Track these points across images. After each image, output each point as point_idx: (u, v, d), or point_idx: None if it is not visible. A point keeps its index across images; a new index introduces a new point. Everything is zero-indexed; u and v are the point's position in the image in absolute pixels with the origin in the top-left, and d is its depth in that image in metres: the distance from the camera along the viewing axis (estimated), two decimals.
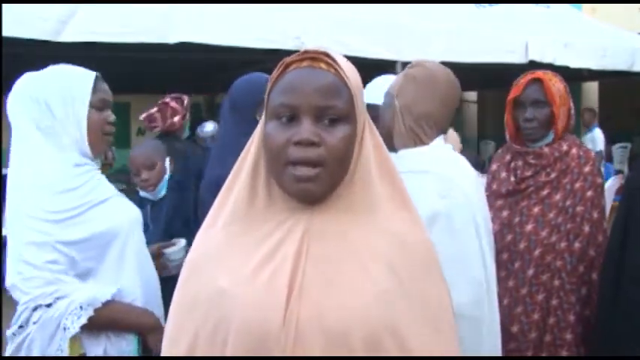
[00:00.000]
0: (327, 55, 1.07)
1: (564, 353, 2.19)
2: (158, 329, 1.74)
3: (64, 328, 1.62)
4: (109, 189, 1.80)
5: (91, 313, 1.63)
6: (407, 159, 1.72)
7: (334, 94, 1.05)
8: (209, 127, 5.22)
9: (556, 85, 2.26)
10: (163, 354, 1.15)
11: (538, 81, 2.27)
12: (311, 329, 1.00)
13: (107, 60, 3.95)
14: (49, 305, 1.61)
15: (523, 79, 2.29)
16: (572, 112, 2.31)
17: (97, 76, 1.79)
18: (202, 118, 6.75)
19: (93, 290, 1.66)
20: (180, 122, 3.99)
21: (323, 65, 1.07)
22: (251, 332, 1.01)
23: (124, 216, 1.79)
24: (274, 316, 1.00)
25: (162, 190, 2.66)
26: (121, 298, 1.71)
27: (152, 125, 3.98)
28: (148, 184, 2.62)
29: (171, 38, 3.39)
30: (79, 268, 1.67)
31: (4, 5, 2.79)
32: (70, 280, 1.64)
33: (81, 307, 1.63)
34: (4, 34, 2.84)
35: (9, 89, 1.76)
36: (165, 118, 3.95)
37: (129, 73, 5.15)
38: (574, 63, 5.15)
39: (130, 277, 1.75)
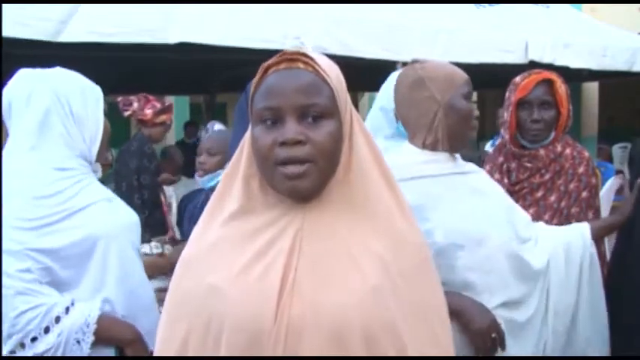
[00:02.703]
0: (305, 54, 1.09)
1: None
2: (137, 342, 1.71)
3: (78, 342, 1.61)
4: (95, 193, 1.73)
5: (94, 327, 1.62)
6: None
7: (315, 91, 1.06)
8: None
9: (562, 86, 2.25)
10: (156, 352, 1.16)
11: (547, 82, 2.25)
12: (304, 325, 1.01)
13: (107, 60, 3.96)
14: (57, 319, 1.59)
15: (529, 79, 2.25)
16: (572, 113, 2.30)
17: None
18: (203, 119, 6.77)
19: (85, 305, 1.64)
20: (151, 114, 4.28)
21: (301, 65, 1.08)
22: (244, 329, 1.02)
23: (110, 222, 1.72)
24: (266, 312, 1.01)
25: (210, 182, 2.65)
26: (101, 308, 1.68)
27: (125, 108, 4.26)
28: (200, 167, 2.67)
29: (172, 38, 3.39)
30: (56, 276, 1.62)
31: (4, 5, 2.79)
32: (46, 291, 1.60)
33: (86, 320, 1.62)
34: (4, 34, 2.84)
35: None
36: (141, 108, 4.29)
37: (129, 73, 5.15)
38: (574, 63, 5.14)
39: (111, 286, 1.69)
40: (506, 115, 2.29)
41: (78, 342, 1.61)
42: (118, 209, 1.80)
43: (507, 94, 2.31)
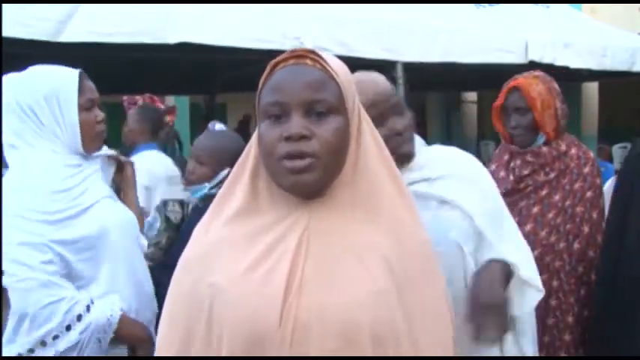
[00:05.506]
0: (313, 52, 1.09)
1: (563, 354, 2.19)
2: (147, 341, 1.75)
3: (99, 340, 1.64)
4: (101, 190, 1.79)
5: (115, 326, 1.66)
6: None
7: (321, 87, 1.06)
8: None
9: (537, 88, 2.24)
10: (157, 352, 1.15)
11: (518, 88, 2.27)
12: (311, 326, 1.00)
13: (107, 60, 3.96)
14: (79, 316, 1.61)
15: (504, 89, 2.31)
16: (561, 111, 2.29)
17: (80, 75, 1.76)
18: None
19: (105, 303, 1.68)
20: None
21: (308, 62, 1.08)
22: (246, 330, 1.01)
23: (115, 219, 1.77)
24: (270, 314, 1.00)
25: (195, 193, 2.30)
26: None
27: (130, 107, 4.27)
28: (187, 176, 2.32)
29: (171, 38, 3.38)
30: (72, 270, 1.65)
31: (4, 5, 2.79)
32: (65, 285, 1.62)
33: (108, 319, 1.65)
34: (4, 34, 2.84)
35: None
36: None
37: (129, 73, 5.14)
38: (574, 63, 5.14)
39: (123, 283, 1.74)
40: (495, 121, 2.38)
41: (99, 340, 1.64)
42: (119, 206, 1.85)
43: None
